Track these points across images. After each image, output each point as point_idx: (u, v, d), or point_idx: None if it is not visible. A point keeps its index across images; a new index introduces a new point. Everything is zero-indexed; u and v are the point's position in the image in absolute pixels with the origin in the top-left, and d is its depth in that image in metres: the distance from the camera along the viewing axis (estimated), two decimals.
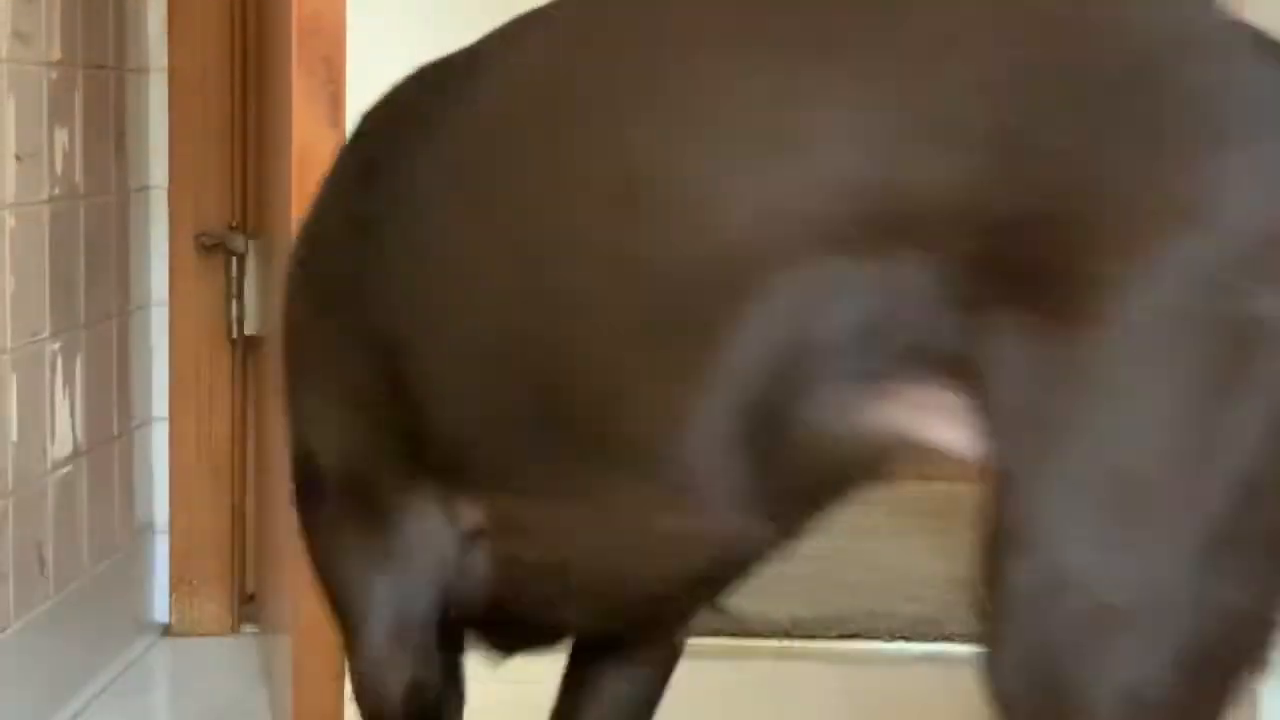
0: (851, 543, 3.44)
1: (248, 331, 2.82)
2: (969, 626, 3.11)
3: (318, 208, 1.57)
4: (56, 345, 2.43)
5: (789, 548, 1.53)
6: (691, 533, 1.38)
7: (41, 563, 2.38)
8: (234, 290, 2.81)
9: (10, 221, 2.28)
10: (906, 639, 2.86)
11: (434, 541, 1.48)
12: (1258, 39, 1.23)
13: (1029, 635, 1.24)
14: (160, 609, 2.85)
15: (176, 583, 2.85)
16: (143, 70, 2.78)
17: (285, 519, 2.28)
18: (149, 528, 2.83)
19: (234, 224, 2.81)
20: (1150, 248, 1.16)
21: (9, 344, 2.28)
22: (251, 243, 2.80)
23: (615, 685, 1.80)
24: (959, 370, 1.23)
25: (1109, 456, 1.17)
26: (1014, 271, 1.19)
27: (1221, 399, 1.15)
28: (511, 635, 1.64)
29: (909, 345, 1.24)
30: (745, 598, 2.96)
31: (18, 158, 2.30)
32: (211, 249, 2.81)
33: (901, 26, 1.25)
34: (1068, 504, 1.18)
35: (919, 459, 1.34)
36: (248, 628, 2.86)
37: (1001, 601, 1.26)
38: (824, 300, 1.24)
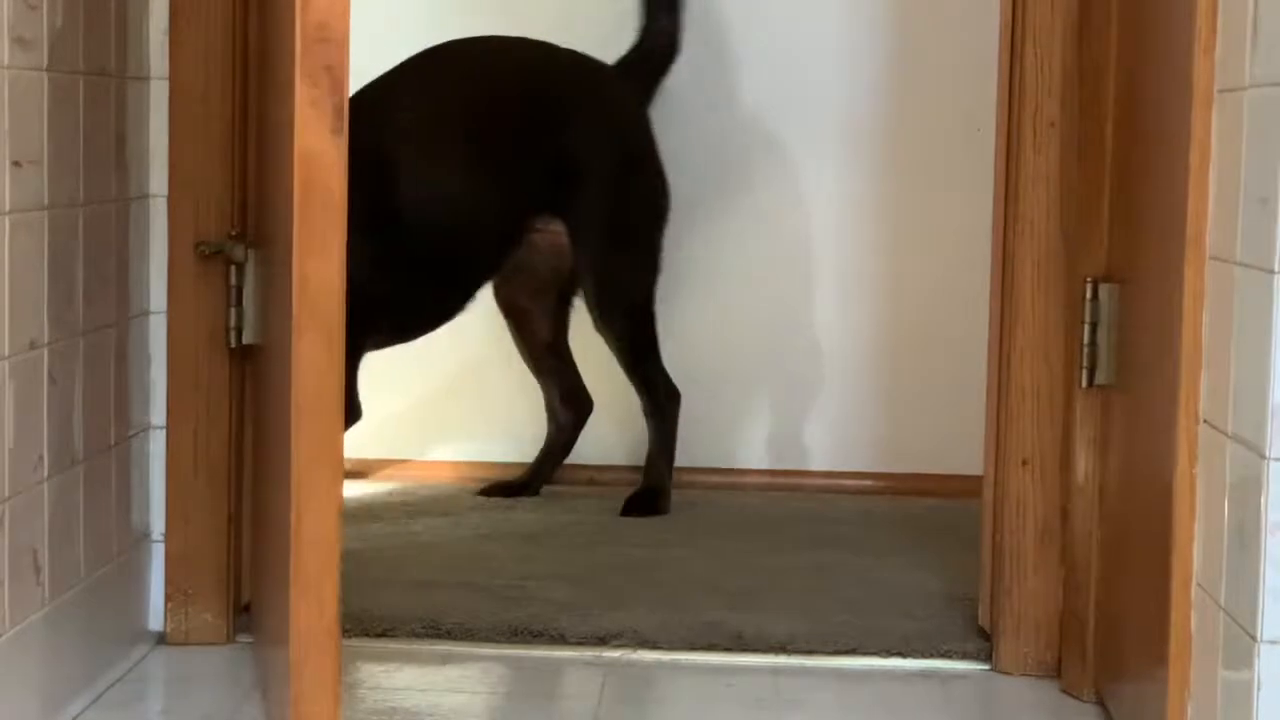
0: (847, 558, 3.44)
1: (246, 340, 2.81)
2: (964, 643, 3.12)
3: None
4: (54, 353, 2.43)
5: None
6: None
7: (37, 570, 2.38)
8: (233, 299, 2.80)
9: (8, 228, 2.28)
10: (902, 655, 2.86)
11: None
12: None
13: None
14: (155, 618, 2.85)
15: (172, 592, 2.84)
16: (143, 78, 2.78)
17: (282, 529, 2.28)
18: (145, 536, 2.82)
19: (234, 233, 2.81)
20: None
21: (6, 351, 2.28)
22: (251, 252, 2.80)
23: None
24: None
25: None
26: None
27: None
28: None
29: None
30: (741, 613, 2.97)
31: (17, 164, 2.30)
32: (211, 258, 2.80)
33: None
34: None
35: None
36: (243, 638, 2.86)
37: None
38: None
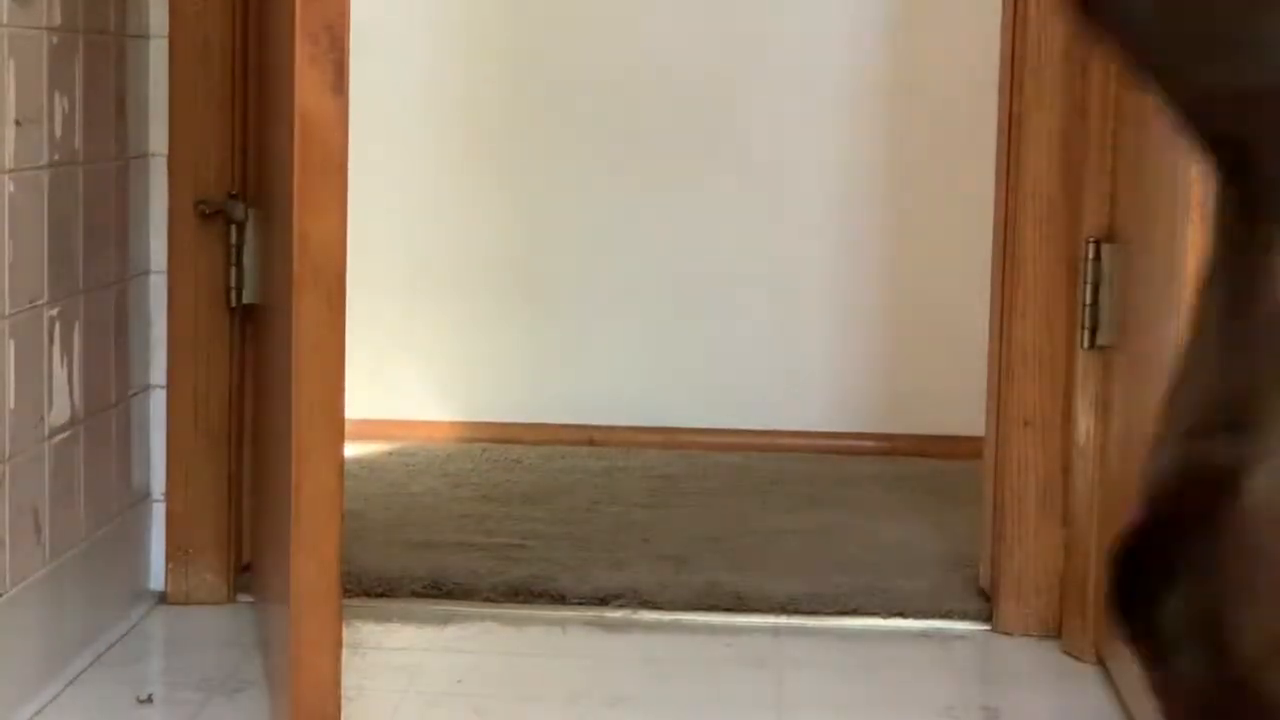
0: (848, 519, 3.44)
1: (246, 300, 2.81)
2: (965, 603, 3.12)
3: None
4: (55, 312, 2.43)
5: None
6: None
7: (38, 530, 2.38)
8: (233, 258, 2.80)
9: (9, 187, 2.27)
10: (903, 615, 2.86)
11: None
12: None
13: None
14: (156, 577, 2.85)
15: (172, 551, 2.84)
16: (144, 36, 2.77)
17: (283, 489, 2.28)
18: (145, 496, 2.82)
19: (234, 192, 2.80)
20: None
21: (7, 310, 2.27)
22: (251, 211, 2.79)
23: None
24: None
25: None
26: None
27: None
28: None
29: None
30: (742, 574, 2.97)
31: (17, 123, 2.29)
32: (211, 217, 2.80)
33: None
34: None
35: None
36: (243, 597, 2.86)
37: None
38: None
